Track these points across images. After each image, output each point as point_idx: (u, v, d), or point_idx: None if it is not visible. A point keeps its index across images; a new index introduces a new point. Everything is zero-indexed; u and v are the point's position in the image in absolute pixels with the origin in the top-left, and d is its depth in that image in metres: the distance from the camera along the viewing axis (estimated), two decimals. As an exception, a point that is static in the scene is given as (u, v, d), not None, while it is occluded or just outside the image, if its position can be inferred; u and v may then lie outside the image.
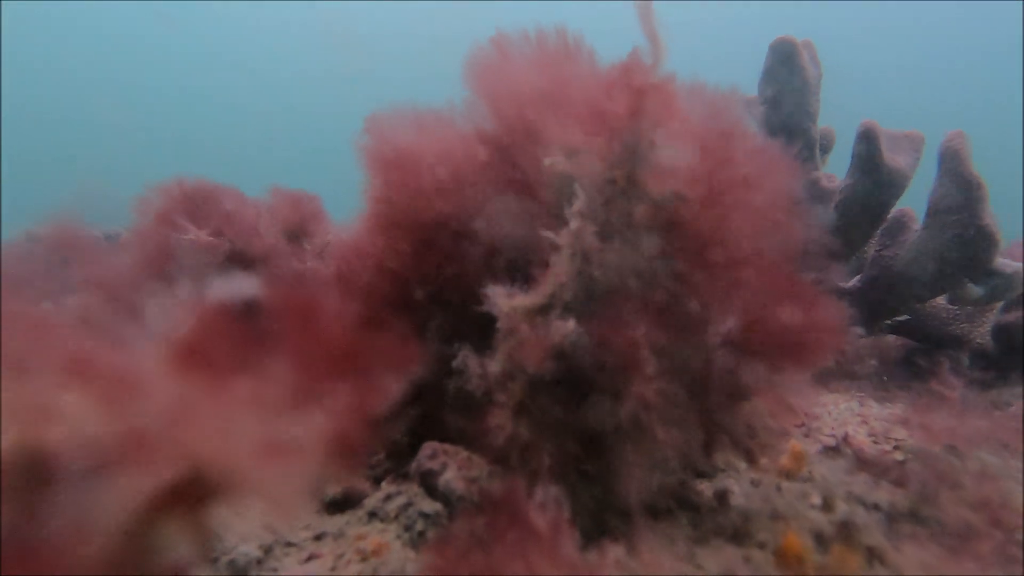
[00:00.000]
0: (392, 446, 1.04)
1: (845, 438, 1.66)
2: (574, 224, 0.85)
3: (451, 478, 0.97)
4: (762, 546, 1.02)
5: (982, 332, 2.53)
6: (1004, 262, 2.24)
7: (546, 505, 0.62)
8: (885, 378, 2.24)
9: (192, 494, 0.36)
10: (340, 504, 0.92)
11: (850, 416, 1.87)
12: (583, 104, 0.89)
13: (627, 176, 0.95)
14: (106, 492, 0.33)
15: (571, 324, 0.91)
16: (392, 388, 0.60)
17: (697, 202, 0.92)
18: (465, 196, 1.06)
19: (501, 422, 0.99)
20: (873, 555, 0.97)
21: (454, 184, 1.06)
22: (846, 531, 0.98)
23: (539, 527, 0.60)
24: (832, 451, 1.59)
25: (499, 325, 0.98)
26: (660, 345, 0.95)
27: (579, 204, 0.86)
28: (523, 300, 0.94)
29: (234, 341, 0.43)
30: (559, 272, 0.92)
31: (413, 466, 1.00)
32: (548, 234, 0.90)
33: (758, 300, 0.98)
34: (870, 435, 1.72)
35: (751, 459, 1.12)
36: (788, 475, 1.34)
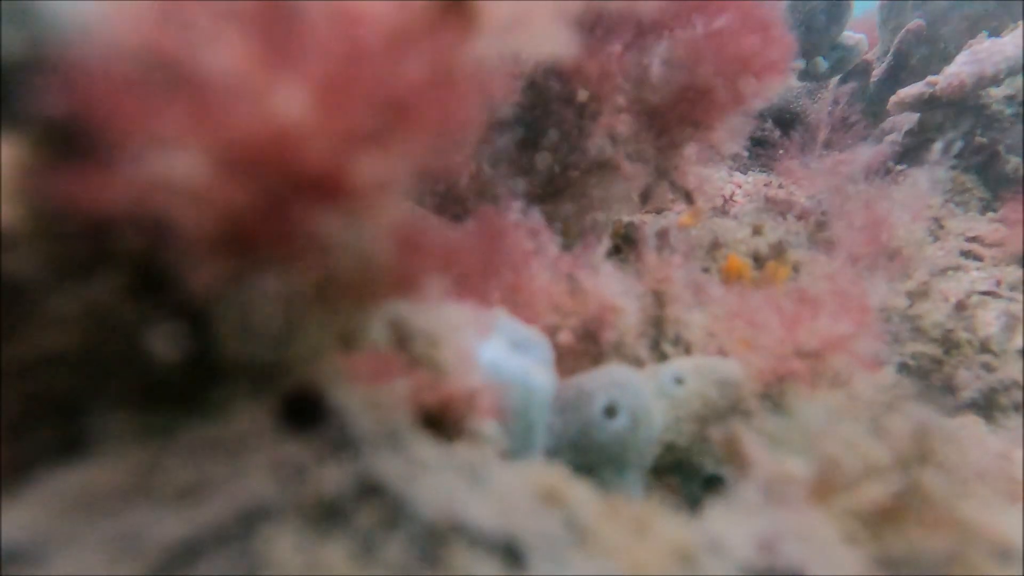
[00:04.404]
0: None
1: (731, 197, 1.98)
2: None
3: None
4: (706, 270, 1.23)
5: (819, 108, 3.01)
6: (847, 34, 2.62)
7: (526, 224, 0.69)
8: (745, 152, 2.61)
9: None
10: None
11: (724, 184, 2.19)
12: None
13: None
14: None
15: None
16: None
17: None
18: None
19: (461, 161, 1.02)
20: (795, 268, 1.23)
21: None
22: (778, 249, 1.22)
23: (521, 243, 0.67)
24: (719, 211, 1.89)
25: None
26: (630, 72, 1.02)
27: None
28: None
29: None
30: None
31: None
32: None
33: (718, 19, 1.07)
34: (746, 195, 2.07)
35: (691, 200, 1.30)
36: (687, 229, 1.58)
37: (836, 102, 2.93)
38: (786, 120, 3.09)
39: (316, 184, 0.24)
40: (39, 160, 0.26)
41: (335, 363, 0.33)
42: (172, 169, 0.23)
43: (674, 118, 1.19)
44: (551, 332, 0.76)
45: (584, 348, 0.82)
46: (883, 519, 0.36)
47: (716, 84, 1.17)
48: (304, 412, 0.28)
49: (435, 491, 0.27)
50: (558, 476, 0.31)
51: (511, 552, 0.26)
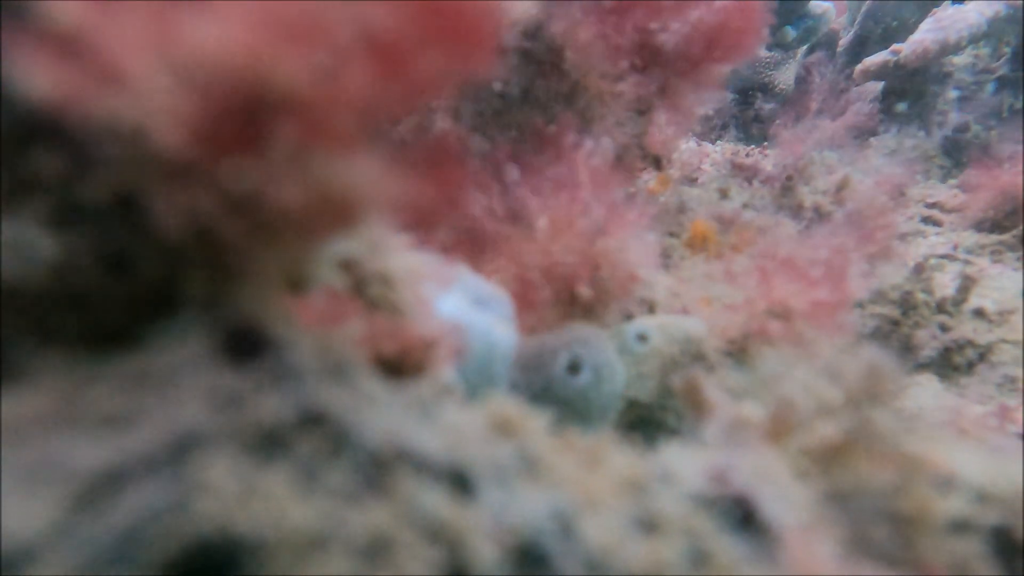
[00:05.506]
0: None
1: (697, 167, 1.99)
2: None
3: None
4: (674, 235, 1.24)
5: (785, 79, 3.02)
6: (815, 3, 2.63)
7: (594, 152, 0.68)
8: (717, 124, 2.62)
9: None
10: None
11: (693, 154, 2.20)
12: None
13: None
14: None
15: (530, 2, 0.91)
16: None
17: None
18: None
19: (443, 126, 1.00)
20: (760, 232, 1.24)
21: None
22: (743, 213, 1.22)
23: (584, 168, 0.66)
24: (687, 179, 1.90)
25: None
26: (616, 37, 1.01)
27: None
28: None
29: None
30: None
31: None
32: None
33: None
34: (713, 164, 2.08)
35: (659, 167, 1.30)
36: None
37: (807, 69, 2.95)
38: (753, 91, 3.10)
39: (287, 107, 0.23)
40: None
41: (282, 303, 0.32)
42: (132, 68, 0.21)
43: (646, 83, 1.18)
44: (566, 279, 0.74)
45: (587, 306, 0.80)
46: (833, 455, 0.36)
47: (691, 49, 1.17)
48: (244, 346, 0.27)
49: (382, 422, 0.26)
50: (513, 407, 0.31)
51: (459, 480, 0.25)
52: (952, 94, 2.00)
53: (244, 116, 0.23)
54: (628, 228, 0.72)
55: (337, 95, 0.23)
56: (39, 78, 0.22)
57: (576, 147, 0.66)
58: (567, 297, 0.72)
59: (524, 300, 0.72)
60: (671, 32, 1.12)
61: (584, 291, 0.68)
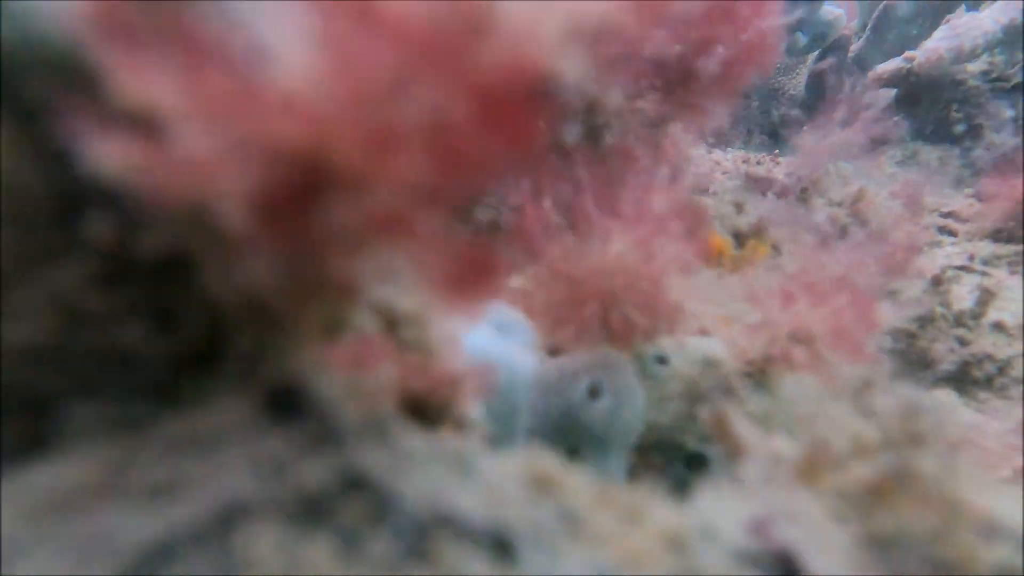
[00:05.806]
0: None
1: (708, 176, 1.98)
2: None
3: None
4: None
5: (796, 84, 3.01)
6: (827, 8, 2.62)
7: (676, 185, 0.68)
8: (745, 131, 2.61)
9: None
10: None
11: (703, 162, 2.20)
12: None
13: None
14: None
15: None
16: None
17: None
18: None
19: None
20: (775, 248, 1.24)
21: None
22: (759, 228, 1.22)
23: (668, 199, 0.66)
24: (699, 188, 1.89)
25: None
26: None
27: None
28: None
29: None
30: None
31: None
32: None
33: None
34: (723, 172, 2.07)
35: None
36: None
37: (834, 76, 2.94)
38: (772, 98, 3.09)
39: (342, 180, 0.23)
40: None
41: (317, 351, 0.32)
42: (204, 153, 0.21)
43: (667, 100, 1.18)
44: (621, 303, 0.73)
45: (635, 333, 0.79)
46: (871, 498, 0.36)
47: (713, 65, 1.16)
48: (285, 404, 0.27)
49: (422, 483, 0.26)
50: (551, 463, 0.31)
51: (501, 544, 0.25)
52: (1007, 113, 1.96)
53: (303, 193, 0.22)
54: (689, 261, 0.72)
55: (395, 179, 0.23)
56: (108, 158, 0.22)
57: (653, 173, 0.66)
58: (615, 322, 0.72)
59: (571, 318, 0.72)
60: (714, 56, 1.11)
61: (639, 319, 0.68)
